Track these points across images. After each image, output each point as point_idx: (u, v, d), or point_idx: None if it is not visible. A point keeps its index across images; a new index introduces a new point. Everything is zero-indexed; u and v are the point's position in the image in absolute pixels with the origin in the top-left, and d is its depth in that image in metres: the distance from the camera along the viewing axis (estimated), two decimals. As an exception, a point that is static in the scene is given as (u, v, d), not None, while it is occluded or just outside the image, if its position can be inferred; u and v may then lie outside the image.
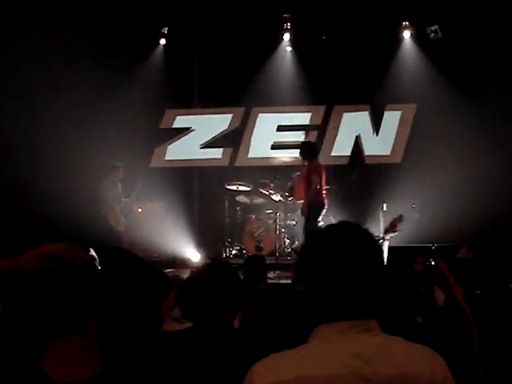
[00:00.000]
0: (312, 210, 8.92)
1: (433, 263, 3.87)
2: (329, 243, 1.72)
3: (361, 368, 1.61)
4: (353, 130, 11.90)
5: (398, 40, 11.43)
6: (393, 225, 6.28)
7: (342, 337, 1.65)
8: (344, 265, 1.67)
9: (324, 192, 9.15)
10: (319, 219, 9.05)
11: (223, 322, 2.60)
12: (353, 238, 1.73)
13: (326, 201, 9.14)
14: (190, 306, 2.70)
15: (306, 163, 9.18)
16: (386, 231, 6.31)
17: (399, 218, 6.40)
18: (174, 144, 12.10)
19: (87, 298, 1.67)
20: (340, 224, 1.81)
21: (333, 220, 10.06)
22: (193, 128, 12.11)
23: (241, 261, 9.44)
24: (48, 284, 1.63)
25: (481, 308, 3.80)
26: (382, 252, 1.75)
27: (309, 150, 9.31)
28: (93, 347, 1.67)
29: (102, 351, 1.70)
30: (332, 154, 11.83)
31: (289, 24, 11.38)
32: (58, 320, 1.63)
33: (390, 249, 8.89)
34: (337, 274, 1.67)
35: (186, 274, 3.91)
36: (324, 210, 9.11)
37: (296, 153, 10.53)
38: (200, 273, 2.80)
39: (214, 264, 2.92)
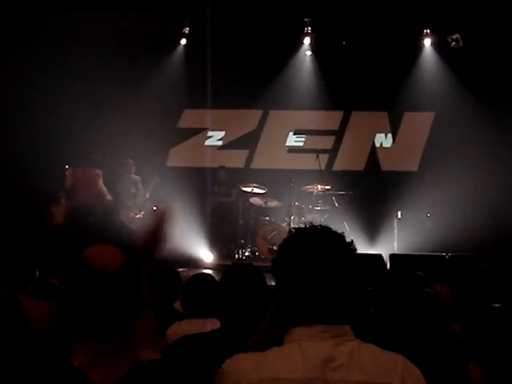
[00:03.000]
0: None
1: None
2: (303, 247, 1.71)
3: (329, 374, 1.60)
4: (370, 136, 11.88)
5: (419, 48, 11.39)
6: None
7: (313, 341, 1.64)
8: (318, 269, 1.66)
9: None
10: None
11: (250, 325, 2.62)
12: (328, 243, 1.72)
13: None
14: (219, 307, 2.74)
15: None
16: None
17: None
18: (190, 144, 12.13)
19: (137, 300, 1.69)
20: (316, 228, 1.79)
21: (347, 226, 10.06)
22: (210, 129, 12.14)
23: (253, 263, 9.51)
24: (103, 282, 1.63)
25: (500, 322, 3.74)
26: (356, 259, 1.73)
27: None
28: (127, 347, 1.68)
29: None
30: (348, 161, 11.80)
31: (309, 28, 11.37)
32: (108, 321, 1.63)
33: (396, 256, 8.90)
34: (310, 278, 1.66)
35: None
36: None
37: (312, 157, 10.55)
38: (227, 276, 2.82)
39: (241, 267, 2.95)
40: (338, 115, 12.01)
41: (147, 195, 10.18)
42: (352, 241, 1.76)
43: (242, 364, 1.65)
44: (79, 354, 1.62)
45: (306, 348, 1.64)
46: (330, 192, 10.43)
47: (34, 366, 1.63)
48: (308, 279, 1.67)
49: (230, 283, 2.76)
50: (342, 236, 1.76)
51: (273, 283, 1.83)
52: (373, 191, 11.02)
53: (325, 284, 1.66)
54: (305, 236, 1.77)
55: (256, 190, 10.64)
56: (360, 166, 11.80)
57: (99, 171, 9.68)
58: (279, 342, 1.71)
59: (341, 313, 1.68)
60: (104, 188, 9.67)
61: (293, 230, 1.83)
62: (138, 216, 9.98)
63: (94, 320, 1.62)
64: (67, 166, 10.00)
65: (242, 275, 2.78)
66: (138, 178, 10.23)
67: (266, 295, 2.72)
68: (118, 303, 1.64)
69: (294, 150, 12.04)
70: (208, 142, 12.16)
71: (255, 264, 3.09)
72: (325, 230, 1.78)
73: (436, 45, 11.29)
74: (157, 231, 2.18)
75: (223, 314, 2.74)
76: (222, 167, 11.08)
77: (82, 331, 1.63)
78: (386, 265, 8.73)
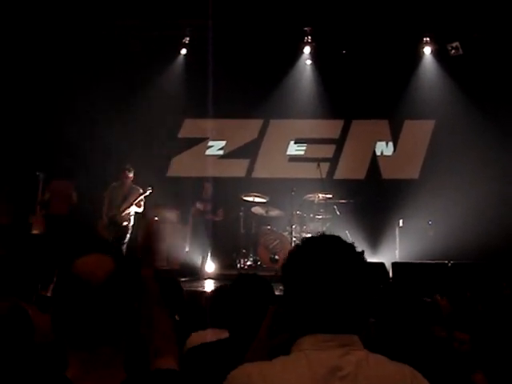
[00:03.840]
0: None
1: None
2: (314, 255, 1.70)
3: (336, 383, 1.57)
4: (370, 144, 11.89)
5: (419, 56, 11.42)
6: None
7: (320, 350, 1.63)
8: (327, 277, 1.65)
9: None
10: None
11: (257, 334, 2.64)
12: (338, 252, 1.71)
13: None
14: (226, 316, 2.75)
15: None
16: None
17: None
18: (191, 153, 12.13)
19: (125, 314, 1.67)
20: (325, 237, 1.79)
21: (348, 235, 10.04)
22: (211, 138, 12.16)
23: (255, 272, 9.48)
24: (89, 295, 1.61)
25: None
26: (366, 269, 1.72)
27: None
28: (120, 357, 1.67)
29: (127, 360, 1.70)
30: (349, 169, 11.81)
31: (309, 37, 11.40)
32: (96, 332, 1.61)
33: (398, 265, 8.89)
34: (319, 286, 1.65)
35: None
36: None
37: (313, 166, 10.55)
38: (234, 286, 2.83)
39: (248, 277, 2.95)
40: (338, 124, 12.02)
41: (129, 209, 9.74)
42: (362, 251, 1.75)
43: (248, 375, 1.63)
44: (72, 366, 1.61)
45: (313, 357, 1.62)
46: (331, 201, 10.42)
47: (29, 376, 1.63)
48: (317, 287, 1.65)
49: (237, 293, 2.77)
50: (351, 246, 1.75)
51: (276, 293, 1.81)
52: (374, 199, 11.01)
53: (333, 292, 1.65)
54: (315, 244, 1.76)
55: (257, 200, 10.63)
56: (361, 174, 11.80)
57: (72, 183, 10.03)
58: (286, 351, 1.69)
59: (349, 322, 1.67)
60: (75, 199, 10.00)
61: (303, 238, 1.82)
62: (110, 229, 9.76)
63: (82, 332, 1.61)
64: (38, 173, 10.21)
65: (250, 285, 2.79)
66: (134, 187, 9.84)
67: (273, 304, 2.73)
68: (106, 314, 1.62)
69: (294, 158, 12.04)
70: (209, 152, 12.17)
71: (258, 273, 3.09)
72: (335, 239, 1.77)
73: (436, 53, 11.32)
74: (148, 243, 2.18)
75: (231, 324, 2.75)
76: (207, 180, 10.54)
77: (73, 343, 1.62)
78: (388, 273, 8.72)
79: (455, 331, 3.61)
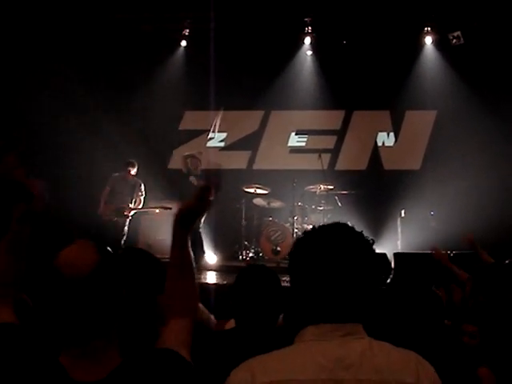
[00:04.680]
0: None
1: None
2: (319, 245, 1.69)
3: (340, 373, 1.57)
4: (372, 135, 11.86)
5: (420, 46, 11.36)
6: None
7: (324, 340, 1.62)
8: (331, 267, 1.64)
9: None
10: None
11: (266, 325, 2.64)
12: (344, 241, 1.69)
13: None
14: (235, 308, 2.76)
15: None
16: None
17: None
18: (192, 146, 12.10)
19: (114, 304, 1.64)
20: (333, 226, 1.77)
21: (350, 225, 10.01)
22: (212, 130, 12.13)
23: (257, 263, 9.48)
24: (72, 292, 1.58)
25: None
26: (373, 256, 1.70)
27: None
28: (113, 347, 1.66)
29: (123, 349, 1.68)
30: (350, 160, 11.79)
31: (310, 28, 11.36)
32: (85, 328, 1.59)
33: (400, 255, 8.89)
34: (323, 276, 1.64)
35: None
36: None
37: (314, 157, 10.53)
38: (243, 276, 2.84)
39: (257, 268, 2.97)
40: (339, 115, 12.00)
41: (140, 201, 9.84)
42: (372, 240, 1.74)
43: (249, 371, 1.62)
44: (64, 358, 1.60)
45: (316, 348, 1.61)
46: (332, 192, 10.41)
47: (24, 359, 1.62)
48: (322, 275, 1.64)
49: (245, 284, 2.78)
50: (360, 234, 1.74)
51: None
52: (376, 190, 11.00)
53: (337, 281, 1.64)
54: (323, 232, 1.75)
55: (259, 191, 10.62)
56: (362, 165, 11.78)
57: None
58: (289, 342, 1.68)
59: (352, 311, 1.65)
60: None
61: (312, 227, 1.81)
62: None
63: (71, 329, 1.59)
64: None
65: (257, 276, 2.81)
66: (137, 180, 9.84)
67: (280, 295, 2.74)
68: (93, 308, 1.59)
69: (296, 150, 12.03)
70: (210, 144, 12.16)
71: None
72: (343, 227, 1.76)
73: (437, 42, 11.26)
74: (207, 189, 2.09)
75: (238, 314, 2.76)
76: (193, 156, 10.18)
77: (64, 341, 1.61)
78: (390, 264, 8.72)
79: (464, 324, 3.61)
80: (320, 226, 1.79)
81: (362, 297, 1.66)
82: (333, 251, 1.66)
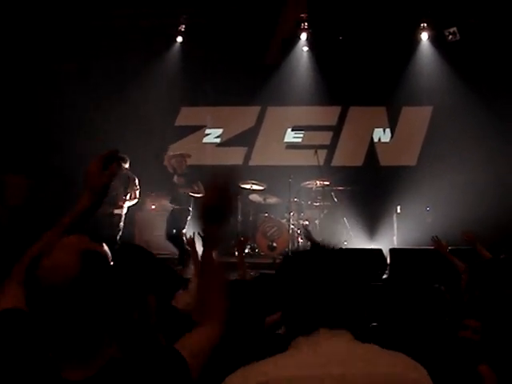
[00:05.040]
0: None
1: None
2: (305, 268, 1.80)
3: (333, 369, 1.63)
4: (368, 131, 11.87)
5: (416, 42, 11.34)
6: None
7: (315, 343, 1.70)
8: (317, 284, 1.75)
9: None
10: None
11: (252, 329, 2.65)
12: (329, 262, 1.80)
13: None
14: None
15: None
16: None
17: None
18: (188, 142, 12.10)
19: (100, 309, 1.62)
20: (317, 248, 1.87)
21: (346, 221, 10.05)
22: (208, 126, 12.13)
23: (252, 260, 9.48)
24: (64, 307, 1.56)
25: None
26: (356, 273, 1.81)
27: None
28: (103, 343, 1.64)
29: (119, 346, 1.68)
30: (346, 156, 11.79)
31: (306, 24, 11.34)
32: (71, 333, 1.58)
33: (396, 251, 8.91)
34: (311, 293, 1.75)
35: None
36: None
37: (311, 153, 10.54)
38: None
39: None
40: (335, 110, 11.99)
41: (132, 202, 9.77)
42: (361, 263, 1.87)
43: (242, 376, 1.67)
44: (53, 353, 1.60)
45: (310, 350, 1.69)
46: (328, 188, 10.42)
47: (17, 355, 1.62)
48: (308, 293, 1.75)
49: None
50: (339, 254, 1.85)
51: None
52: (372, 186, 11.02)
53: (327, 298, 1.74)
54: (305, 259, 1.86)
55: (255, 187, 10.62)
56: (359, 161, 11.79)
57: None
58: (284, 348, 1.76)
59: (341, 320, 1.74)
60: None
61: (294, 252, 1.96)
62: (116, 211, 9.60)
63: (56, 334, 1.58)
64: None
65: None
66: (131, 176, 9.70)
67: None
68: (80, 317, 1.57)
69: (292, 146, 12.02)
70: (206, 140, 12.14)
71: (256, 261, 3.11)
72: (325, 251, 1.86)
73: (433, 38, 11.24)
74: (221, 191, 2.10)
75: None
76: (179, 155, 10.25)
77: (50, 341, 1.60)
78: (386, 259, 8.74)
79: (465, 319, 3.61)
80: (299, 253, 2.00)
81: (349, 308, 1.76)
82: (317, 272, 1.78)
